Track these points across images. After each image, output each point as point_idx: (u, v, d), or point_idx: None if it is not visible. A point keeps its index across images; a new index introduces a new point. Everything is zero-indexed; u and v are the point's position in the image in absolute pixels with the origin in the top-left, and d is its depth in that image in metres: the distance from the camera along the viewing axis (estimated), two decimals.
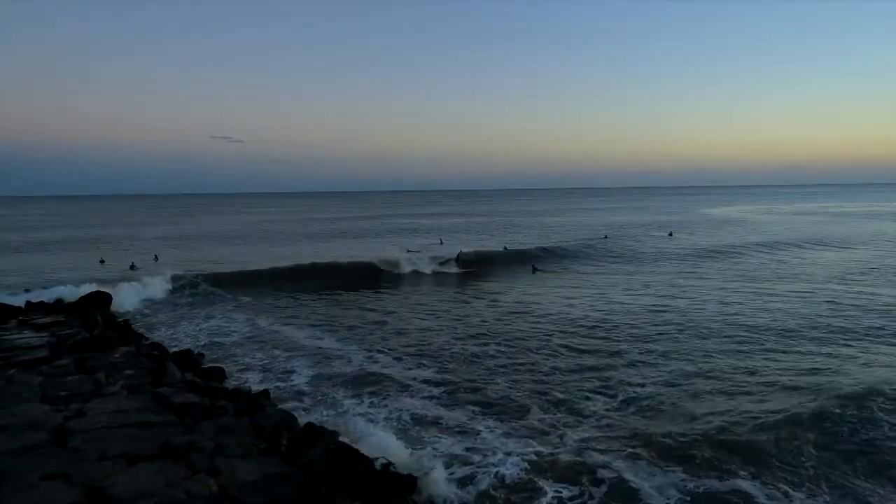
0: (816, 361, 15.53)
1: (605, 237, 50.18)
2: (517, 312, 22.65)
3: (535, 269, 33.74)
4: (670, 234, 52.96)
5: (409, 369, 15.99)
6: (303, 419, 12.36)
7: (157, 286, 27.48)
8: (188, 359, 15.21)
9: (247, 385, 14.14)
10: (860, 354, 16.10)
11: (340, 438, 10.98)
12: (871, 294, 24.21)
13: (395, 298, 26.64)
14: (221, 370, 14.89)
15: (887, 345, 16.94)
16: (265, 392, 12.90)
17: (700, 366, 15.40)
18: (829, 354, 16.12)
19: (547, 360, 16.43)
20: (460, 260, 35.50)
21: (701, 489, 9.38)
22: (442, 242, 48.55)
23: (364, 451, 9.49)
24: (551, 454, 10.62)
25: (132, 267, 34.25)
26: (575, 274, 32.63)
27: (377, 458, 9.25)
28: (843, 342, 17.35)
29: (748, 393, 13.37)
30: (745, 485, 9.45)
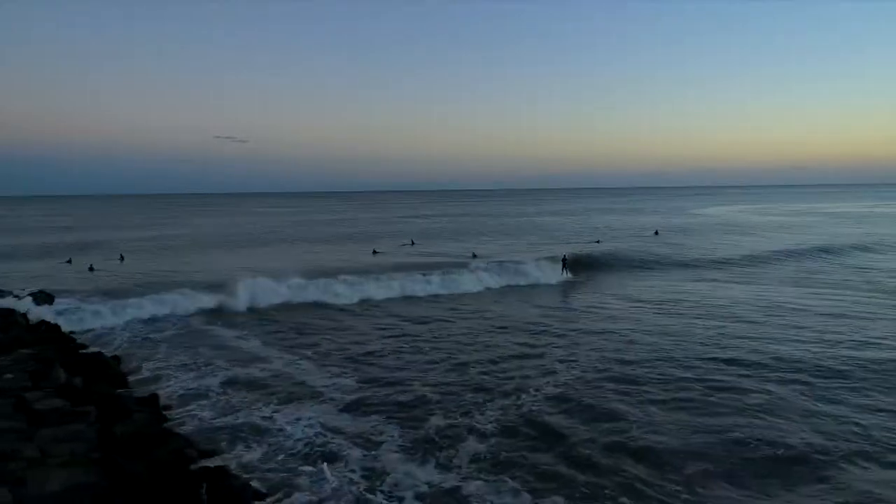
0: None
1: (599, 241, 49.01)
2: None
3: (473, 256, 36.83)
4: (656, 233, 52.48)
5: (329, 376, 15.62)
6: (191, 424, 12.06)
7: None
8: (94, 362, 14.81)
9: (151, 389, 13.84)
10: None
11: (206, 447, 10.63)
12: None
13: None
14: (122, 374, 14.53)
15: None
16: (153, 396, 12.50)
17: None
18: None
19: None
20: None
21: None
22: (413, 243, 48.11)
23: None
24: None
25: (90, 268, 33.97)
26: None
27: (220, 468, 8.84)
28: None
29: None
30: None
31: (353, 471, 10.17)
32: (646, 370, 14.97)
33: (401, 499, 9.19)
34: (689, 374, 14.55)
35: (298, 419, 12.50)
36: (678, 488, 9.36)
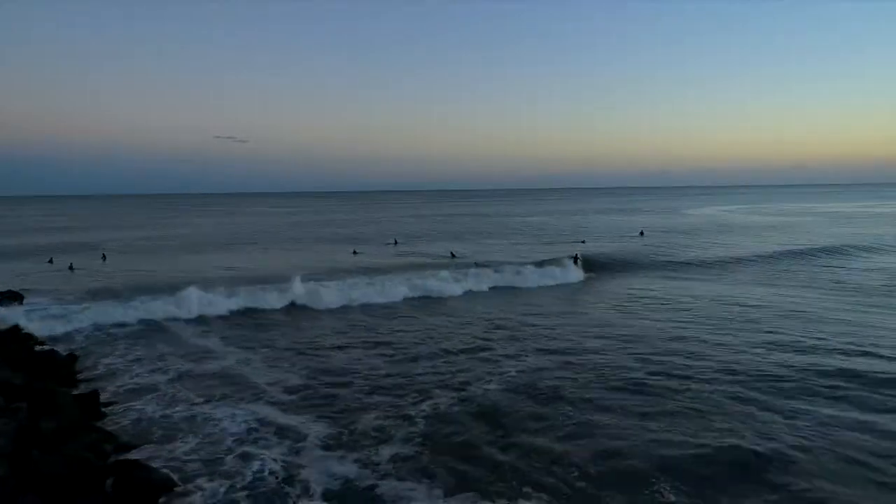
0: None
1: (584, 241, 49.23)
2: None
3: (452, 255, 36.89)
4: (641, 234, 52.65)
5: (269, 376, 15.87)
6: (129, 418, 12.38)
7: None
8: (45, 360, 15.08)
9: (100, 385, 14.17)
10: None
11: (134, 440, 10.91)
12: None
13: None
14: (73, 372, 14.84)
15: None
16: (93, 393, 12.79)
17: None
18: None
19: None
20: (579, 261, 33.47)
21: None
22: (396, 243, 48.47)
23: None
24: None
25: (70, 268, 34.27)
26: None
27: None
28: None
29: None
30: None
31: (274, 461, 10.49)
32: (592, 371, 15.13)
33: (311, 494, 9.43)
34: (635, 376, 14.73)
35: (236, 413, 12.84)
36: (592, 490, 9.59)
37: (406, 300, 25.67)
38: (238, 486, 9.65)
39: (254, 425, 12.20)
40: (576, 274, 31.26)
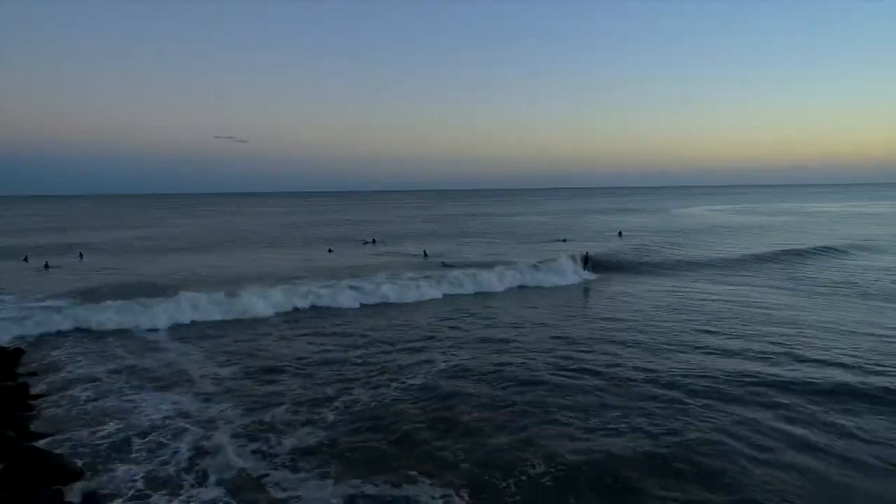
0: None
1: (565, 240, 49.72)
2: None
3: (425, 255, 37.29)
4: (619, 234, 53.02)
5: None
6: (60, 408, 12.87)
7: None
8: None
9: (40, 379, 14.68)
10: None
11: (46, 429, 11.38)
12: None
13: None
14: (14, 366, 15.28)
15: None
16: (21, 386, 13.25)
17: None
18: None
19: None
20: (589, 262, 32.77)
21: None
22: (374, 241, 49.06)
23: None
24: None
25: (46, 266, 34.74)
26: None
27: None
28: None
29: None
30: None
31: (182, 449, 10.97)
32: (502, 373, 15.33)
33: (206, 482, 9.86)
34: (544, 376, 15.12)
35: (162, 403, 13.35)
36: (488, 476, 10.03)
37: (360, 304, 24.76)
38: (140, 472, 10.09)
39: (174, 413, 12.70)
40: (572, 276, 30.11)
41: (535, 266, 31.22)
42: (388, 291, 25.88)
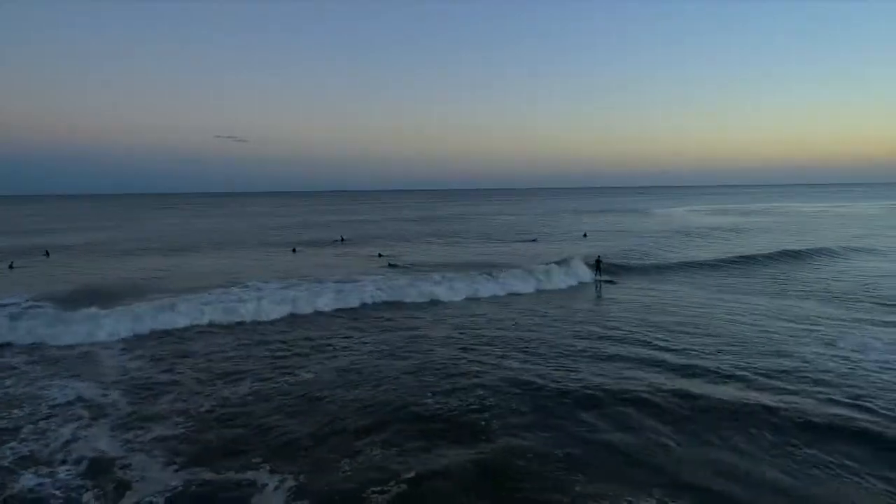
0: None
1: (535, 240, 50.93)
2: None
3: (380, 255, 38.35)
4: (585, 235, 54.09)
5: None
6: None
7: None
8: None
9: None
10: None
11: None
12: None
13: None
14: None
15: None
16: None
17: None
18: None
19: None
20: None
21: None
22: (343, 240, 50.08)
23: None
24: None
25: (11, 266, 35.90)
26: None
27: None
28: None
29: None
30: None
31: (63, 432, 12.19)
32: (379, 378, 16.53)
33: (65, 461, 11.01)
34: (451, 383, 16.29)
35: (66, 388, 14.76)
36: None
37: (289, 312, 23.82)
38: (16, 452, 11.26)
39: (72, 400, 13.96)
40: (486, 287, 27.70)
41: (471, 275, 29.53)
42: (297, 296, 24.81)
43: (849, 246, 41.98)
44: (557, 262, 32.14)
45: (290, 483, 10.23)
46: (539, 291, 28.04)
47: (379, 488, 9.93)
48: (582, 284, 29.82)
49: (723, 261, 36.25)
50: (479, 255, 40.69)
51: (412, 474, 10.31)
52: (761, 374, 15.03)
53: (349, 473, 10.47)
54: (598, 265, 31.80)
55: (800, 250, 39.39)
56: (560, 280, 29.69)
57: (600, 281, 30.36)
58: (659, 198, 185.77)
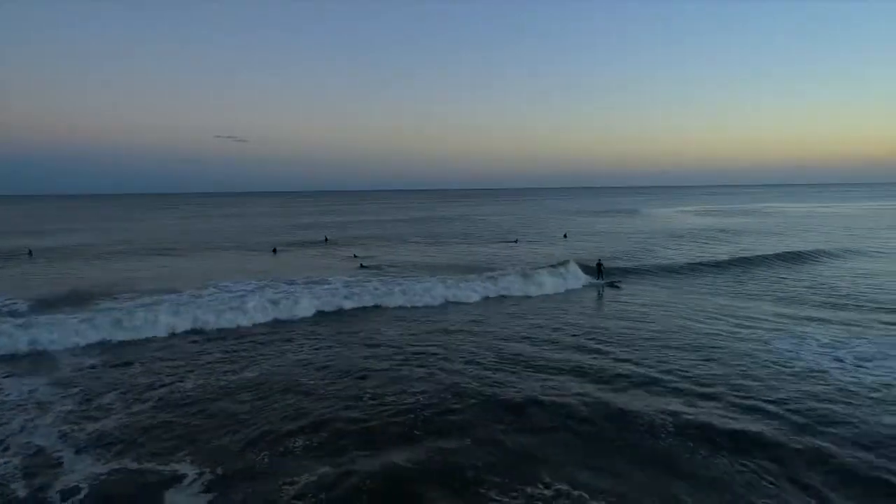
0: None
1: (517, 241, 51.77)
2: None
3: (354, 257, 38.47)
4: (565, 236, 54.87)
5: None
6: None
7: None
8: None
9: None
10: None
11: None
12: None
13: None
14: None
15: None
16: None
17: None
18: None
19: None
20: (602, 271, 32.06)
21: None
22: (327, 240, 51.09)
23: None
24: None
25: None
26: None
27: None
28: None
29: None
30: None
31: (12, 424, 13.16)
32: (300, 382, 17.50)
33: (6, 451, 11.95)
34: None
35: (23, 385, 15.84)
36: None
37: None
38: None
39: (28, 395, 14.88)
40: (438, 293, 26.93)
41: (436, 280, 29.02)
42: (268, 305, 24.40)
43: (821, 249, 42.13)
44: (553, 265, 32.29)
45: (208, 476, 10.98)
46: (487, 299, 27.39)
47: (290, 480, 10.69)
48: (570, 291, 29.29)
49: (700, 264, 36.78)
50: (455, 258, 41.49)
51: (325, 471, 11.01)
52: (684, 378, 15.65)
53: (267, 470, 11.15)
54: (599, 269, 31.69)
55: (766, 255, 39.65)
56: (519, 287, 28.81)
57: (602, 285, 30.23)
58: (653, 198, 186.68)
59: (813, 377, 15.61)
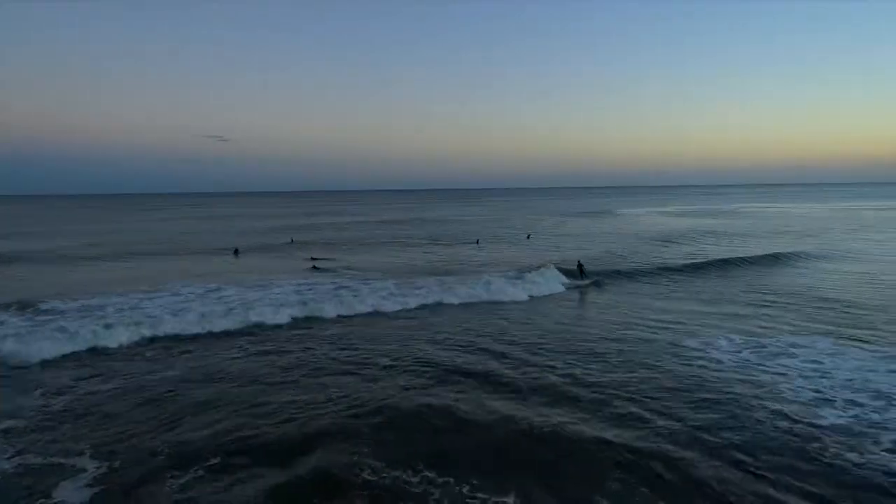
0: None
1: (477, 242, 52.85)
2: None
3: (293, 241, 36.64)
4: (528, 237, 55.89)
5: None
6: None
7: None
8: None
9: None
10: None
11: None
12: None
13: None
14: None
15: None
16: None
17: None
18: None
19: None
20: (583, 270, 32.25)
21: None
22: (293, 241, 51.86)
23: None
24: None
25: None
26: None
27: None
28: None
29: None
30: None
31: None
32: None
33: None
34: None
35: None
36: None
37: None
38: None
39: None
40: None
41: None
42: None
43: (781, 252, 42.60)
44: (537, 268, 32.37)
45: (104, 470, 11.89)
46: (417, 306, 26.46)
47: (176, 473, 11.61)
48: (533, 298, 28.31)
49: (661, 268, 36.91)
50: (412, 259, 42.40)
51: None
52: (573, 383, 16.06)
53: (163, 465, 11.99)
54: (580, 269, 31.74)
55: (716, 259, 39.99)
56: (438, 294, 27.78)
57: (582, 286, 30.34)
58: (639, 199, 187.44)
59: (714, 378, 16.29)
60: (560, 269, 32.74)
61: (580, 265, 32.68)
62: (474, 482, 10.92)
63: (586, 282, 31.28)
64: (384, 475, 11.22)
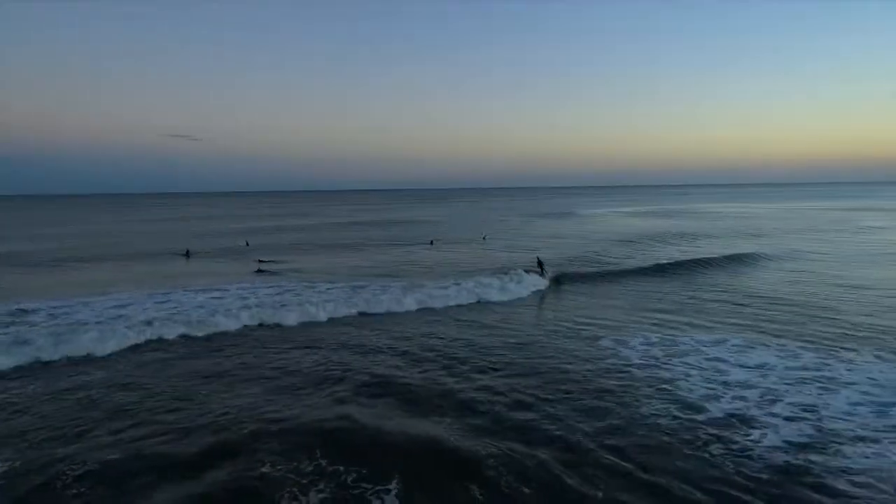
0: None
1: (431, 243, 53.16)
2: None
3: (247, 244, 36.94)
4: (484, 238, 56.51)
5: None
6: None
7: None
8: None
9: None
10: None
11: None
12: None
13: None
14: None
15: None
16: None
17: None
18: None
19: None
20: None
21: None
22: (248, 244, 51.54)
23: None
24: None
25: None
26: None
27: None
28: None
29: None
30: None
31: None
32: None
33: None
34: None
35: None
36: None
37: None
38: None
39: None
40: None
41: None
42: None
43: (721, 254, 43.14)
44: (505, 272, 31.98)
45: (13, 465, 12.10)
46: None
47: (73, 470, 11.79)
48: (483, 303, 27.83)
49: (613, 272, 36.39)
50: (363, 262, 42.49)
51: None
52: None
53: (63, 457, 12.29)
54: (540, 266, 31.60)
55: (678, 261, 39.66)
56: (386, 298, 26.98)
57: (546, 284, 30.27)
58: (602, 199, 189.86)
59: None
60: (496, 273, 32.72)
61: (540, 262, 32.69)
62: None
63: (546, 280, 31.07)
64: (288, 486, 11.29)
